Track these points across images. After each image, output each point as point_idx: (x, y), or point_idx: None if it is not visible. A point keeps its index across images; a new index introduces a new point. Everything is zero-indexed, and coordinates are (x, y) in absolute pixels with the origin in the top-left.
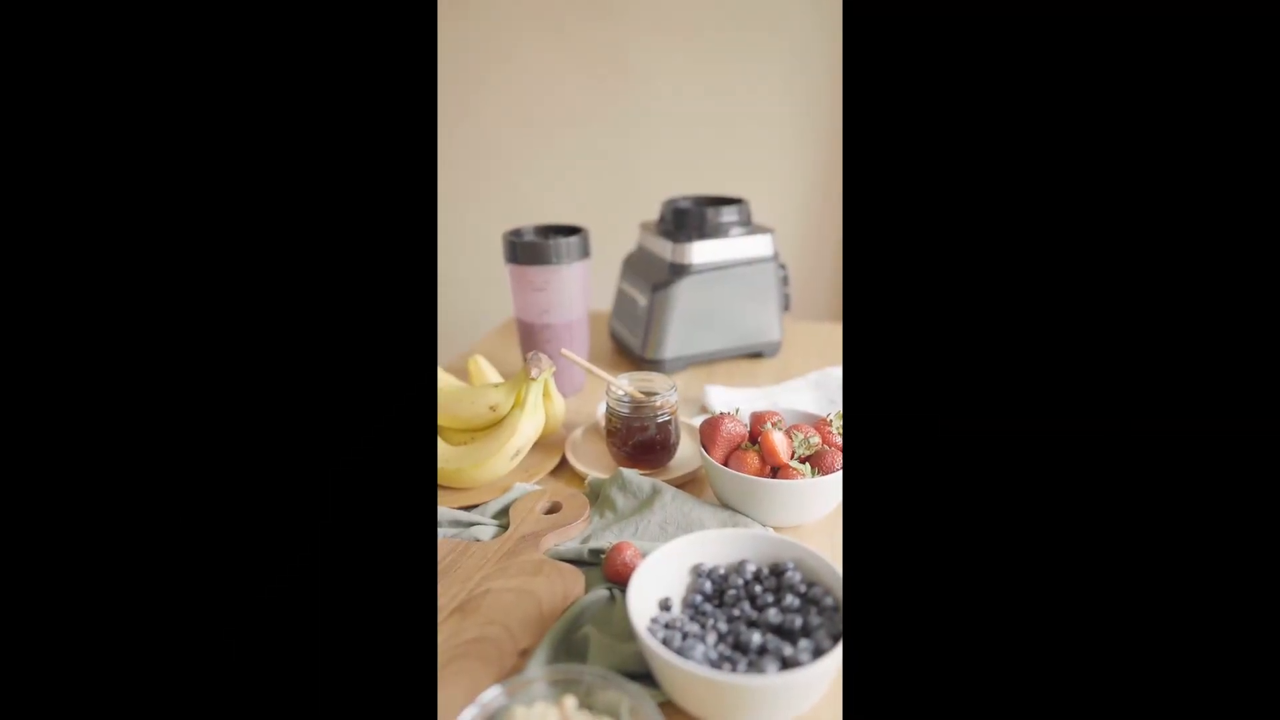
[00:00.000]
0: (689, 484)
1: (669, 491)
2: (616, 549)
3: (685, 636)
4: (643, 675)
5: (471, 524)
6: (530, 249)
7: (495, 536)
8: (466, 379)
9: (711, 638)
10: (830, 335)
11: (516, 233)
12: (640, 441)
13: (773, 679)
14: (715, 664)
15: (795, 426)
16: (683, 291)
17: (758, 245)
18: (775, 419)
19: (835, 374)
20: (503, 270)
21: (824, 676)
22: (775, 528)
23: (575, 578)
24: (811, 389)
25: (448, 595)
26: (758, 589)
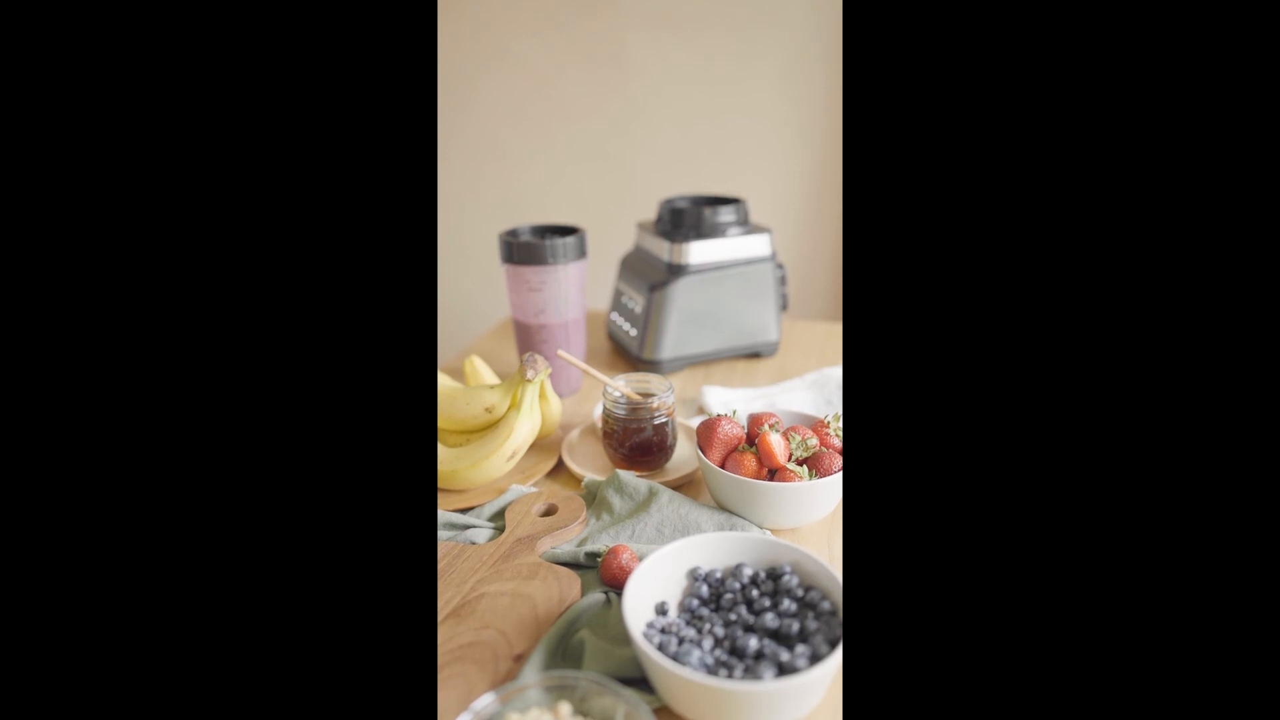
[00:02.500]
0: (686, 486)
1: (666, 494)
2: (613, 552)
3: (681, 641)
4: (638, 680)
5: (467, 526)
6: (526, 249)
7: (491, 539)
8: (462, 379)
9: (708, 643)
10: (828, 335)
11: (513, 233)
12: (637, 443)
13: (769, 685)
14: (711, 670)
15: (793, 428)
16: (680, 291)
17: (755, 245)
18: (773, 421)
19: (833, 374)
20: (499, 270)
21: (821, 682)
22: (772, 530)
23: (571, 581)
24: (809, 389)
25: (443, 599)
26: (754, 593)
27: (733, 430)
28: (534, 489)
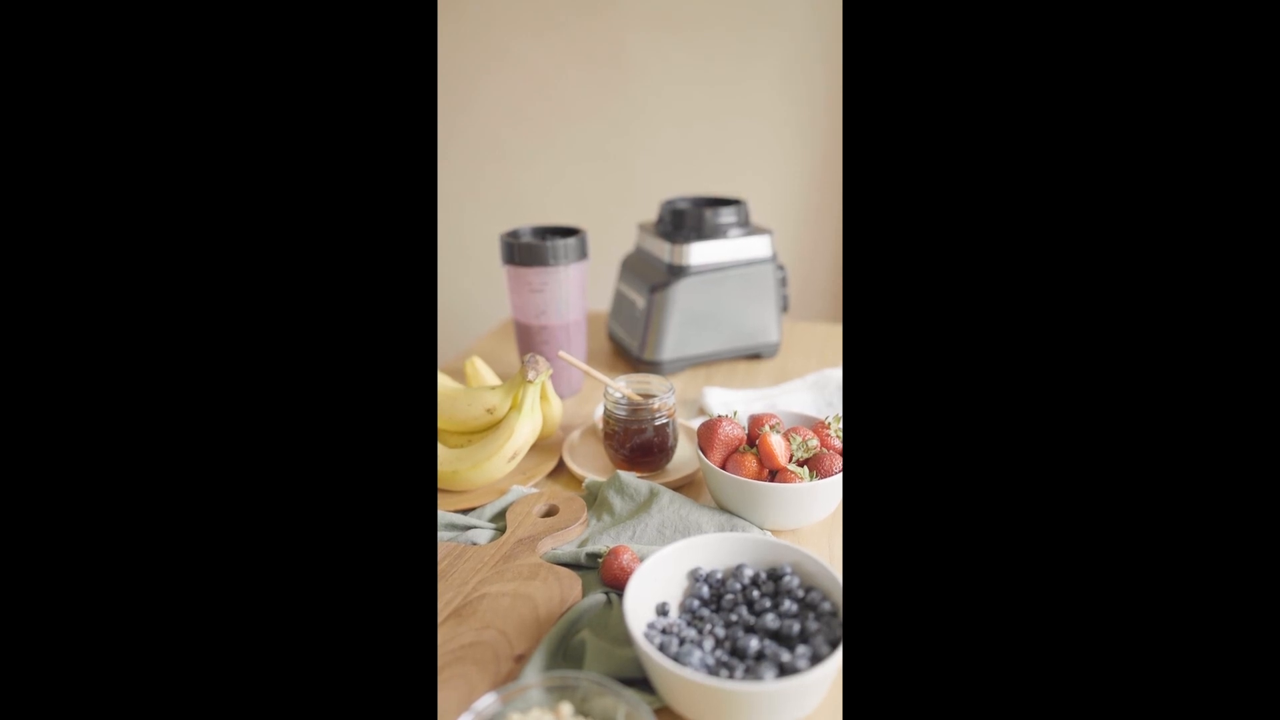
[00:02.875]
0: (687, 487)
1: (666, 494)
2: (614, 553)
3: (682, 642)
4: (639, 681)
5: (468, 527)
6: (527, 250)
7: (492, 540)
8: (463, 380)
9: (709, 643)
10: (828, 336)
11: (514, 234)
12: (638, 444)
13: (769, 686)
14: (712, 670)
15: (793, 429)
16: (681, 293)
17: (756, 246)
18: (773, 422)
19: (833, 375)
20: (499, 270)
21: (822, 683)
22: (773, 531)
23: (572, 582)
24: (810, 390)
25: (444, 599)
26: (755, 594)
27: (733, 431)
28: (535, 490)
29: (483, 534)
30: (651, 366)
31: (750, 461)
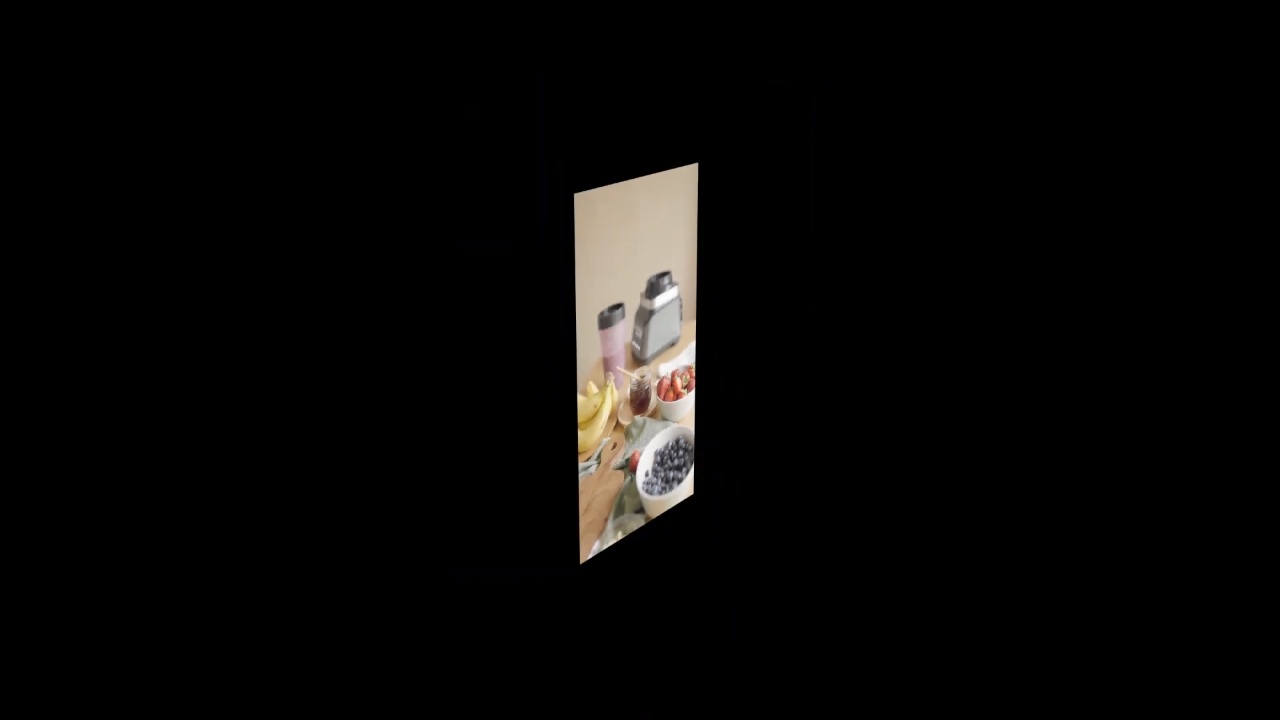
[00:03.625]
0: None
1: (651, 423)
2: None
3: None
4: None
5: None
6: (603, 319)
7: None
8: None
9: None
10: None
11: (602, 311)
12: (642, 401)
13: (678, 491)
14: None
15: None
16: (655, 323)
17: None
18: (679, 372)
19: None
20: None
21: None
22: (679, 422)
23: (619, 475)
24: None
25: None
26: (678, 451)
27: (667, 382)
28: (609, 440)
29: (593, 465)
30: (645, 362)
31: (672, 395)
